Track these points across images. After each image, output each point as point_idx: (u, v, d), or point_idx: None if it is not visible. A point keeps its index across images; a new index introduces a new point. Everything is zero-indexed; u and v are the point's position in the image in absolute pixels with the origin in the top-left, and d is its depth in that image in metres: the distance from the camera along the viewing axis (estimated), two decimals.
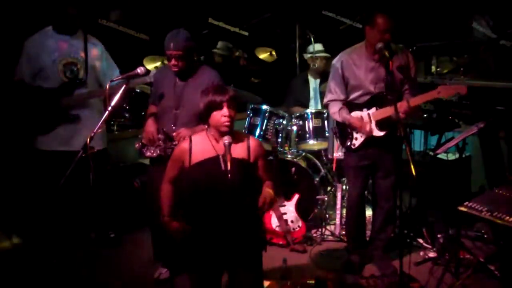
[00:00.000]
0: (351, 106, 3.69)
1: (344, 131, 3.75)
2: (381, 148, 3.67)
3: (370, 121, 3.59)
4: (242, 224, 2.71)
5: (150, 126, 3.63)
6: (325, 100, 3.80)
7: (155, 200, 3.63)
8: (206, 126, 2.77)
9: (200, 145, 2.74)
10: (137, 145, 3.69)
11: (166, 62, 4.18)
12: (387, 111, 3.51)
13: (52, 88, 3.93)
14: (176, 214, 2.85)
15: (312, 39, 5.32)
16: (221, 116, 2.66)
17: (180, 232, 2.78)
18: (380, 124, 3.58)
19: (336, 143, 4.32)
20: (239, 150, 2.73)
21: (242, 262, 2.77)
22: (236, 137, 2.76)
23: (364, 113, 3.62)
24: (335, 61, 3.72)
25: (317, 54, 5.25)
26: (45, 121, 3.93)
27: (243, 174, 2.70)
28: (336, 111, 3.70)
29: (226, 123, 2.67)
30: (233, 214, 2.68)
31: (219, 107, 2.66)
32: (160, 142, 3.55)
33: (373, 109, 3.60)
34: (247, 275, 2.79)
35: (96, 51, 4.06)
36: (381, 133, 3.60)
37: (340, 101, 3.71)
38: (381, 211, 3.85)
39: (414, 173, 2.93)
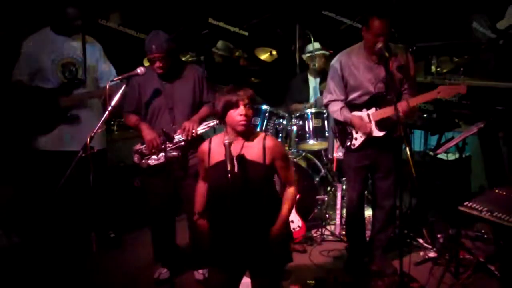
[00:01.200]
0: (350, 107, 3.68)
1: (344, 131, 3.74)
2: (380, 148, 3.67)
3: (370, 121, 3.60)
4: (259, 227, 2.66)
5: (150, 134, 3.52)
6: (325, 100, 3.79)
7: (157, 205, 3.63)
8: (225, 128, 2.73)
9: (218, 146, 2.71)
10: (136, 157, 3.59)
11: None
12: (387, 111, 3.51)
13: (51, 88, 3.93)
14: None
15: (312, 38, 5.33)
16: (237, 114, 2.61)
17: (202, 233, 2.81)
18: (379, 124, 3.58)
19: (336, 143, 4.32)
20: (253, 152, 2.67)
21: (261, 267, 2.73)
22: (252, 137, 2.70)
23: (363, 113, 3.62)
24: (334, 62, 3.71)
25: (317, 52, 5.25)
26: (44, 121, 3.92)
27: (257, 177, 2.64)
28: (337, 110, 3.69)
29: (242, 122, 2.61)
30: (246, 217, 2.64)
31: (235, 106, 2.61)
32: (163, 146, 3.52)
33: (373, 109, 3.60)
34: (265, 281, 2.76)
35: (94, 51, 4.07)
36: (381, 134, 3.59)
37: (340, 101, 3.71)
38: (381, 211, 3.84)
39: (414, 173, 2.93)
